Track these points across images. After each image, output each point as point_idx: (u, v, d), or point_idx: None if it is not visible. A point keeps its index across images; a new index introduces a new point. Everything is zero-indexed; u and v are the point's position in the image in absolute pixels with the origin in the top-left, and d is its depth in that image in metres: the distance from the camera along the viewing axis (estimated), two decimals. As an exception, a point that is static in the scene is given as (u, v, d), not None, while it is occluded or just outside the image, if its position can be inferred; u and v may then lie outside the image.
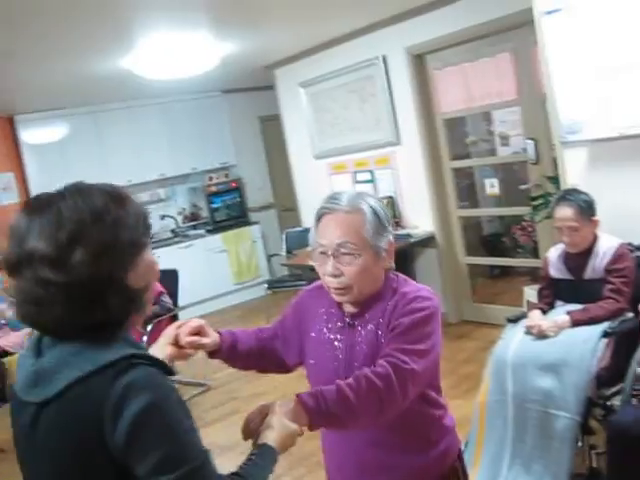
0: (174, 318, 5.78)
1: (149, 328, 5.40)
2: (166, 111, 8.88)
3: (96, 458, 1.24)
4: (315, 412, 1.61)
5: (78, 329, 1.30)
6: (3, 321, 6.80)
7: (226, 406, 5.27)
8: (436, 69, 6.18)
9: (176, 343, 1.89)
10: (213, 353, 1.98)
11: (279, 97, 8.02)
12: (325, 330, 1.94)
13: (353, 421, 1.66)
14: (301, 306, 2.08)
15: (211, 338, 1.95)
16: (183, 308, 6.03)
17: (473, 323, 6.32)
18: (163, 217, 9.19)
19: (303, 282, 6.61)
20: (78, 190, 1.38)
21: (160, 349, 1.87)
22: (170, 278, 5.93)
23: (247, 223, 9.40)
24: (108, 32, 4.95)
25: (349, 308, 1.93)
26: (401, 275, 1.96)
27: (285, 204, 9.58)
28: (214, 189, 9.33)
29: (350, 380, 1.67)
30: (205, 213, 9.47)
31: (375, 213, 1.84)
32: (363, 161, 7.02)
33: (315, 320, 1.99)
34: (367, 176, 7.01)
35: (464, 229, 6.51)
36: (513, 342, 3.47)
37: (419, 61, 6.22)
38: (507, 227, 7.17)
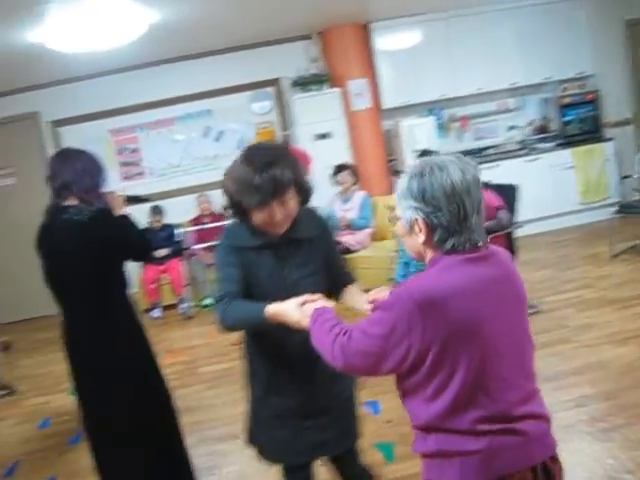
0: (510, 235, 5.61)
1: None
2: (520, 17, 8.41)
3: None
4: (312, 319, 1.99)
5: None
6: (346, 223, 7.22)
7: (553, 333, 5.03)
8: None
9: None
10: None
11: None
12: None
13: (317, 347, 1.94)
14: None
15: None
16: (520, 225, 5.80)
17: None
18: (511, 128, 8.93)
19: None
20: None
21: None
22: (509, 193, 5.73)
23: (600, 139, 8.68)
24: None
25: None
26: (443, 261, 1.75)
27: (646, 120, 8.69)
28: (567, 100, 8.73)
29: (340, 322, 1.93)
30: (555, 126, 8.93)
31: (405, 181, 1.79)
32: None
33: None
34: None
35: None
36: None
37: None
38: None
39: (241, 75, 8.48)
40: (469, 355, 1.68)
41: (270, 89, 8.69)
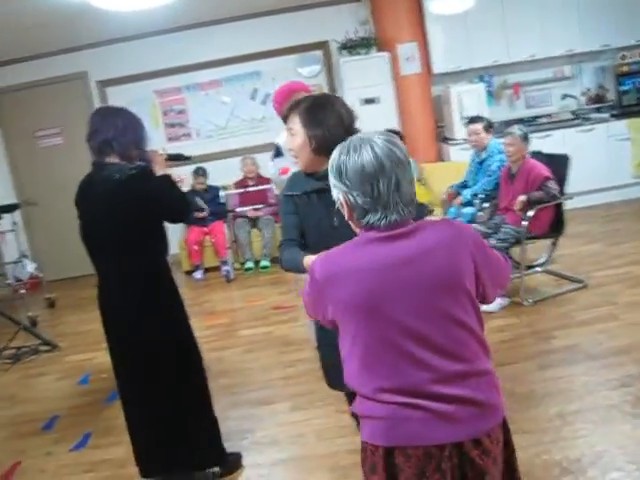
0: (559, 207, 5.45)
1: (530, 214, 5.19)
2: (578, -20, 8.07)
3: None
4: None
5: None
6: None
7: (601, 309, 4.86)
8: None
9: None
10: None
11: None
12: None
13: None
14: None
15: None
16: (570, 197, 5.63)
17: None
18: (564, 96, 8.64)
19: None
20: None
21: None
22: (560, 163, 5.55)
23: (659, 110, 8.34)
24: None
25: None
26: (358, 238, 1.87)
27: None
28: (625, 69, 8.40)
29: None
30: (612, 95, 8.61)
31: (331, 160, 1.90)
32: None
33: None
34: None
35: None
36: None
37: None
38: None
39: (289, 37, 8.38)
40: (368, 329, 1.78)
41: (318, 52, 8.57)
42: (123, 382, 3.17)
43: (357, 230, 1.89)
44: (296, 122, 2.57)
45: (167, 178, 3.14)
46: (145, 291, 3.04)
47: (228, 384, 4.47)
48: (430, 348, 1.76)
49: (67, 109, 8.39)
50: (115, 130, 3.00)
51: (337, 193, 1.87)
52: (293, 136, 2.60)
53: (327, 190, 2.44)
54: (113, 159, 3.02)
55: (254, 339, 5.45)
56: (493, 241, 5.23)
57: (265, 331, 5.58)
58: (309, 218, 2.60)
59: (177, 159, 3.46)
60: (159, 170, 3.13)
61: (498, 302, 5.21)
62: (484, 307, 5.43)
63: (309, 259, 2.34)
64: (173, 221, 3.26)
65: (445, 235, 1.83)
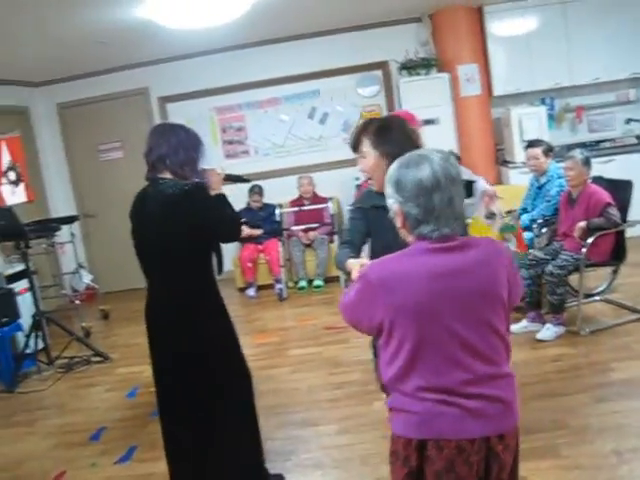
0: (620, 234, 5.28)
1: (590, 240, 5.04)
2: (645, 2, 7.86)
3: None
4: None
5: None
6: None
7: (661, 342, 4.70)
8: None
9: None
10: None
11: None
12: None
13: None
14: None
15: None
16: (632, 224, 5.45)
17: None
18: (628, 121, 8.40)
19: None
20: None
21: None
22: (622, 189, 5.39)
23: None
24: None
25: None
26: (412, 247, 1.97)
27: None
28: (693, 94, 8.16)
29: None
30: (679, 121, 8.37)
31: (390, 170, 2.01)
32: None
33: None
34: None
35: None
36: None
37: None
38: None
39: (349, 57, 8.36)
40: (415, 332, 1.88)
41: (378, 72, 8.54)
42: (164, 399, 3.15)
43: (408, 238, 2.00)
44: (367, 145, 2.80)
45: (222, 197, 3.12)
46: (190, 308, 3.02)
47: (274, 404, 4.42)
48: (471, 352, 1.90)
49: (128, 124, 8.54)
50: (168, 147, 3.02)
51: (392, 203, 1.98)
52: (365, 159, 2.83)
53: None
54: (166, 175, 3.03)
55: (303, 359, 5.40)
56: (551, 267, 5.09)
57: (315, 351, 5.53)
58: (376, 229, 2.81)
59: (235, 180, 3.47)
60: (215, 189, 3.13)
61: (554, 330, 5.07)
62: (539, 335, 5.29)
63: (352, 262, 2.48)
64: (223, 241, 3.24)
65: (488, 251, 1.99)
